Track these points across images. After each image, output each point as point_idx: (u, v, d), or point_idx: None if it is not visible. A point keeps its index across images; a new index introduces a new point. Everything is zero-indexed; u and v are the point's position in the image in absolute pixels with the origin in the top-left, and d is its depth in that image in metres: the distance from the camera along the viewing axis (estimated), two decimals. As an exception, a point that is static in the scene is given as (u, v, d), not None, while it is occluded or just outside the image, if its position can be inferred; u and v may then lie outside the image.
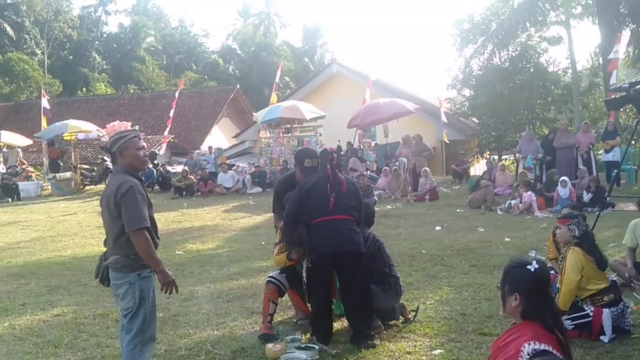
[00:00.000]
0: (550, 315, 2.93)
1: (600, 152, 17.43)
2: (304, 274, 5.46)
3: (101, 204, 4.31)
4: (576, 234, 5.11)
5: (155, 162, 22.44)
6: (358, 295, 5.26)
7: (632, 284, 5.41)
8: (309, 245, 5.23)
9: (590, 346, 4.84)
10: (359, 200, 5.51)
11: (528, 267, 2.93)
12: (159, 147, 25.47)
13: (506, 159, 21.81)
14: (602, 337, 4.93)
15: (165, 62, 53.66)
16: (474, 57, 25.12)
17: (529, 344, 2.81)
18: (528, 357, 2.78)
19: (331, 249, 5.16)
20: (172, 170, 21.83)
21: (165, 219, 14.09)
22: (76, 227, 13.61)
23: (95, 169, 23.09)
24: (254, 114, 23.10)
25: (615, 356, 4.62)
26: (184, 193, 19.05)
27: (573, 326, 5.00)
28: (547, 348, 2.81)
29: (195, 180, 19.54)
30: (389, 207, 14.31)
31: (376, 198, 14.83)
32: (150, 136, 27.45)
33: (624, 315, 5.04)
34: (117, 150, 4.24)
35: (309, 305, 5.83)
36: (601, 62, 23.19)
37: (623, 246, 7.81)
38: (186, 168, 20.50)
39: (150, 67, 50.04)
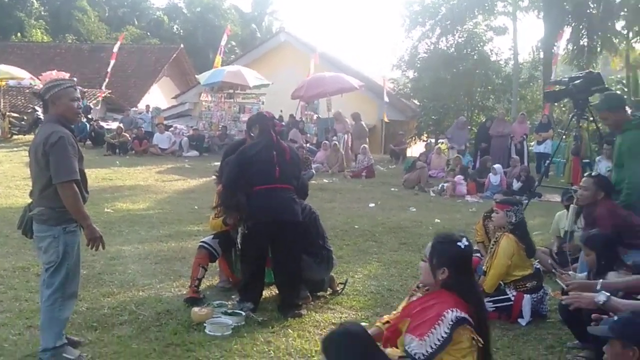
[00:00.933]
0: (469, 288, 3.12)
1: (533, 143, 18.00)
2: (238, 241, 5.41)
3: (29, 153, 4.12)
4: (512, 221, 5.24)
5: (89, 116, 21.73)
6: (291, 265, 5.25)
7: (553, 271, 5.62)
8: (248, 212, 5.17)
9: (508, 328, 5.01)
10: (300, 170, 5.49)
11: (459, 243, 3.13)
12: (94, 101, 24.62)
13: (442, 143, 22.20)
14: (520, 320, 5.10)
15: (107, 14, 51.59)
16: (422, 40, 25.37)
17: (452, 311, 2.99)
18: (451, 322, 2.95)
19: (272, 217, 5.12)
20: (107, 127, 21.19)
21: (96, 176, 13.67)
22: (1, 176, 13.04)
23: (26, 118, 22.16)
24: (196, 76, 22.63)
25: (530, 338, 4.80)
26: (117, 150, 18.55)
27: (494, 308, 5.15)
28: (466, 317, 2.99)
29: (130, 138, 19.05)
30: (325, 181, 14.36)
31: (314, 171, 14.84)
32: (86, 89, 26.46)
33: (543, 301, 5.24)
34: (50, 99, 4.06)
35: (236, 273, 5.84)
36: (542, 56, 23.88)
37: (547, 234, 8.16)
38: (121, 125, 19.90)
39: (92, 17, 48.04)
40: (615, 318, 2.96)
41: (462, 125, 17.62)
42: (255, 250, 5.29)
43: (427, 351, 2.98)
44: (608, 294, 3.30)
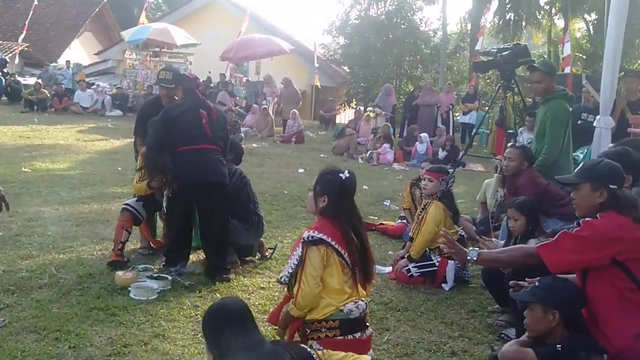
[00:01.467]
0: (346, 215, 3.30)
1: (458, 114, 18.43)
2: (164, 204, 5.27)
3: None
4: (443, 189, 5.34)
5: (5, 70, 20.54)
6: (217, 228, 5.16)
7: (477, 239, 5.78)
8: (173, 174, 5.03)
9: (433, 292, 5.15)
10: (226, 131, 5.38)
11: (340, 174, 3.33)
12: (10, 55, 23.28)
13: (371, 110, 22.39)
14: (443, 285, 5.25)
15: (23, -38, 48.60)
16: (353, 6, 25.29)
17: (308, 232, 3.23)
18: (303, 240, 3.19)
19: (197, 179, 4.99)
20: (24, 82, 20.12)
21: (13, 133, 13.04)
22: None
23: None
24: (121, 32, 21.75)
25: (453, 302, 4.95)
26: (36, 107, 17.71)
27: (419, 273, 5.29)
28: (323, 237, 3.17)
29: (49, 95, 18.17)
30: (254, 145, 14.21)
31: (242, 135, 14.66)
32: (1, 42, 24.96)
33: (466, 267, 5.40)
34: None
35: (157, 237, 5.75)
36: (469, 27, 24.33)
37: (469, 202, 8.41)
38: (39, 81, 18.93)
39: (6, -35, 45.12)
40: (536, 283, 3.07)
41: (389, 92, 17.74)
42: (180, 212, 5.17)
43: (288, 272, 3.24)
44: (478, 250, 3.42)
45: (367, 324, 3.33)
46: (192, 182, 5.00)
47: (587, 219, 3.07)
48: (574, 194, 3.21)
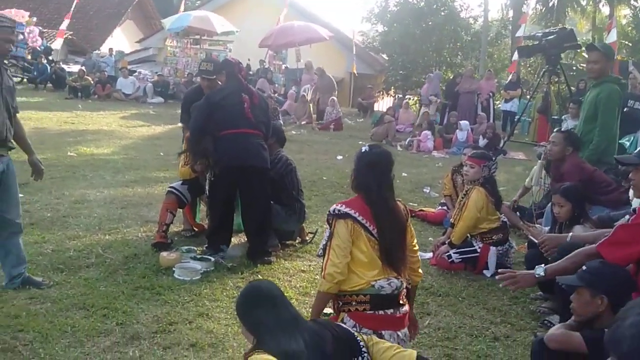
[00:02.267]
0: (374, 189, 3.27)
1: (498, 101, 18.14)
2: (206, 187, 5.35)
3: None
4: (485, 175, 5.28)
5: (50, 57, 20.99)
6: (259, 213, 5.22)
7: (520, 225, 5.71)
8: (215, 158, 5.09)
9: (474, 279, 5.11)
10: (268, 116, 5.41)
11: (361, 149, 3.41)
12: (53, 41, 23.74)
13: (410, 99, 22.21)
14: (485, 272, 5.21)
15: (67, -49, 49.46)
16: (392, -8, 25.05)
17: (336, 205, 3.26)
18: (329, 213, 3.24)
19: (238, 162, 5.04)
20: (68, 69, 20.52)
21: (58, 119, 13.34)
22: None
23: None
24: (161, 20, 21.99)
25: (494, 289, 4.90)
26: (79, 94, 18.06)
27: (460, 259, 5.25)
28: (349, 211, 3.19)
29: (92, 82, 18.51)
30: (293, 132, 14.26)
31: (281, 121, 14.71)
32: (46, 30, 25.46)
33: (508, 254, 5.34)
34: None
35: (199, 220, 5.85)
36: (512, 14, 23.88)
37: (511, 190, 8.29)
38: (83, 68, 19.28)
39: (51, -46, 45.96)
40: (584, 268, 3.02)
41: (437, 77, 17.44)
42: (222, 196, 5.24)
43: (322, 244, 3.32)
44: (544, 267, 3.35)
45: (401, 302, 3.32)
46: (233, 166, 5.06)
47: None
48: (633, 175, 3.14)
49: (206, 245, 5.35)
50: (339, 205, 3.25)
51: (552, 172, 5.63)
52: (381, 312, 3.18)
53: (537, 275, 3.30)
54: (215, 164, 5.14)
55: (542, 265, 3.37)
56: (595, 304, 2.87)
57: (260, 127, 5.23)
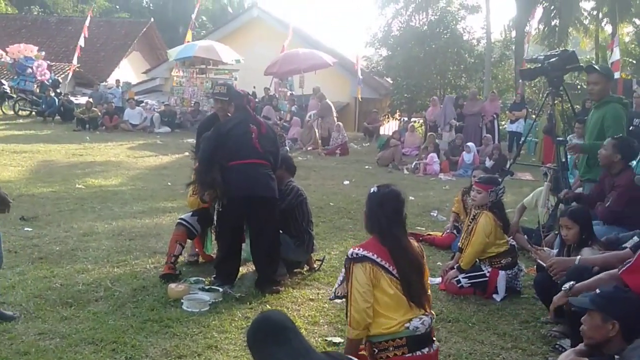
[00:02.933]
0: (386, 230, 3.31)
1: (504, 122, 18.16)
2: (215, 217, 5.37)
3: None
4: (492, 200, 5.27)
5: (58, 90, 21.25)
6: (268, 242, 5.23)
7: (529, 248, 5.68)
8: (223, 189, 5.12)
9: (483, 303, 5.08)
10: (276, 145, 5.45)
11: (370, 189, 3.47)
12: (63, 76, 24.07)
13: (415, 121, 22.30)
14: (494, 296, 5.18)
15: (74, -15, 50.17)
16: (395, 17, 25.27)
17: (353, 249, 3.29)
18: (346, 257, 3.28)
19: (247, 193, 5.07)
20: (76, 101, 20.75)
21: (66, 151, 13.46)
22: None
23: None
24: (167, 50, 22.24)
25: (505, 313, 4.87)
26: (87, 126, 18.22)
27: (470, 284, 5.22)
28: (366, 254, 3.21)
29: (100, 113, 18.69)
30: (299, 158, 14.30)
31: (287, 148, 14.79)
32: (54, 63, 25.83)
33: (517, 277, 5.31)
34: None
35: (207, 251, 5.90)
36: (514, 35, 24.01)
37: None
38: (91, 100, 19.51)
39: (58, -12, 46.67)
40: (598, 291, 3.01)
41: (451, 101, 17.28)
42: (231, 226, 5.26)
43: (335, 289, 3.41)
44: (572, 282, 3.36)
45: (434, 338, 3.31)
46: (242, 197, 5.08)
47: None
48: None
49: (214, 276, 5.36)
50: (356, 248, 3.28)
51: (601, 179, 5.52)
52: (418, 352, 3.19)
53: (564, 288, 3.38)
54: (223, 194, 5.16)
55: (572, 282, 3.44)
56: (606, 329, 2.85)
57: (268, 157, 5.27)
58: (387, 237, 3.29)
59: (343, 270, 3.32)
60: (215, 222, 5.41)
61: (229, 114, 5.43)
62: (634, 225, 5.00)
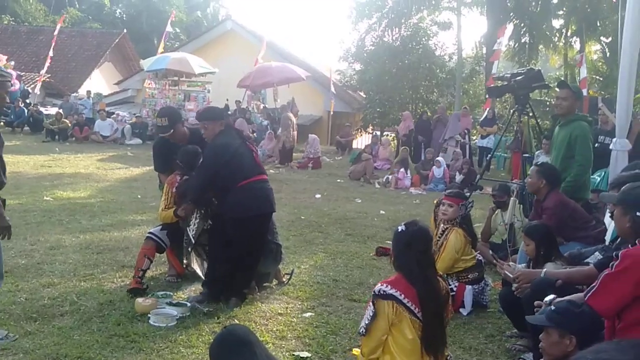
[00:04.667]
0: (409, 269, 3.30)
1: (475, 137, 18.38)
2: (190, 233, 5.32)
3: None
4: (462, 214, 5.34)
5: (28, 101, 20.97)
6: (258, 256, 5.30)
7: (494, 263, 5.76)
8: (237, 208, 5.04)
9: (450, 318, 5.12)
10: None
11: (398, 228, 3.46)
12: (33, 86, 23.76)
13: (387, 135, 22.48)
14: (461, 310, 5.24)
15: (45, -5, 49.67)
16: (368, 32, 25.50)
17: (381, 285, 3.30)
18: (374, 294, 3.28)
19: (259, 211, 5.14)
20: (45, 112, 20.53)
21: (35, 163, 13.28)
22: None
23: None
24: (141, 61, 22.11)
25: (471, 327, 4.93)
26: (57, 137, 18.02)
27: (437, 298, 5.27)
28: (394, 293, 3.21)
29: (70, 124, 18.49)
30: (272, 171, 14.28)
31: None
32: (24, 73, 25.49)
33: (484, 292, 5.39)
34: None
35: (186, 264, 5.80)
36: (484, 51, 24.39)
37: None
38: (61, 111, 19.30)
39: (29, -2, 46.14)
40: (552, 308, 3.07)
41: (459, 116, 17.16)
42: (243, 246, 5.16)
43: (364, 324, 3.30)
44: (554, 296, 3.41)
45: None
46: (253, 215, 5.09)
47: (622, 250, 3.02)
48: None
49: (205, 291, 5.26)
50: (384, 285, 3.28)
51: (534, 206, 5.69)
52: None
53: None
54: (236, 214, 5.05)
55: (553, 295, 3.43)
56: (564, 344, 2.92)
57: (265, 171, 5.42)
58: (417, 279, 3.27)
59: (369, 307, 3.30)
60: (192, 239, 5.34)
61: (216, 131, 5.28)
62: (587, 237, 5.23)
